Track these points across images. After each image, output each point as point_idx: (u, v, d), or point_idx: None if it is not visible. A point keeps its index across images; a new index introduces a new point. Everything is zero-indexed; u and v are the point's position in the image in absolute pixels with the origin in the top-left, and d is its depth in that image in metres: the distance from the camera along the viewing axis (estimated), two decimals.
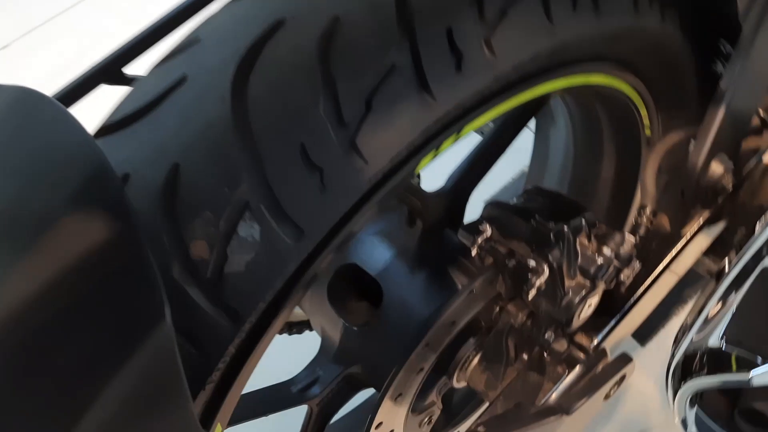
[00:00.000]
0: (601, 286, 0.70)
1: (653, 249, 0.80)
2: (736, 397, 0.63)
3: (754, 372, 0.59)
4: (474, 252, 0.71)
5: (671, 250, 0.80)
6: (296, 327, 0.99)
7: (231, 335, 0.46)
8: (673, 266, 0.80)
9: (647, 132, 0.81)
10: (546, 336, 0.72)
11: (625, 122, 0.78)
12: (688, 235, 0.80)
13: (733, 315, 0.62)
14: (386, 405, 0.69)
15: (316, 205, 0.46)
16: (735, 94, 0.73)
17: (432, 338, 0.69)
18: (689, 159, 0.76)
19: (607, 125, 0.81)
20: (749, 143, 0.84)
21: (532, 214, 0.69)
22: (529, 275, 0.67)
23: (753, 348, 0.60)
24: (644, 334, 1.43)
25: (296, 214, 0.46)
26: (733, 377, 0.59)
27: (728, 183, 0.77)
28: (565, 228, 0.67)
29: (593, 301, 0.70)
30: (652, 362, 1.53)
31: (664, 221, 0.81)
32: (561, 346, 0.72)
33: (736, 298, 0.61)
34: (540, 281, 0.67)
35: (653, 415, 1.45)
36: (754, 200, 0.84)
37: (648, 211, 0.79)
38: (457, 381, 0.80)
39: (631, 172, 0.82)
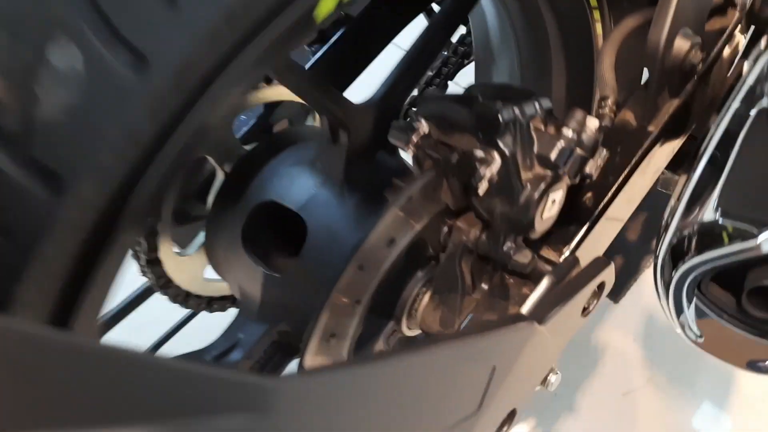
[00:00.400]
0: (565, 180, 0.58)
1: (620, 147, 0.69)
2: (741, 280, 0.52)
3: (763, 236, 0.48)
4: (410, 152, 0.58)
5: (640, 148, 0.69)
6: (217, 303, 0.85)
7: (50, 210, 0.32)
8: (644, 167, 0.69)
9: (596, 16, 0.71)
10: (506, 248, 0.60)
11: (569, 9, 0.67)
12: (656, 131, 0.69)
13: (727, 182, 0.51)
14: (315, 346, 0.55)
15: (163, 25, 0.33)
16: None
17: (366, 259, 0.56)
18: (650, 37, 0.66)
19: (550, 16, 0.70)
20: (714, 24, 0.74)
21: (476, 100, 0.57)
22: (478, 166, 0.55)
23: (755, 217, 0.49)
24: (617, 290, 1.32)
25: (133, 35, 0.32)
26: (737, 247, 0.48)
27: (696, 59, 0.66)
28: (516, 109, 0.55)
29: (557, 196, 0.58)
30: (628, 320, 1.42)
31: (629, 116, 0.70)
32: (524, 257, 0.59)
33: (728, 161, 0.50)
34: (491, 172, 0.54)
35: (636, 375, 1.34)
36: (723, 87, 0.74)
37: (610, 101, 0.67)
38: (408, 327, 0.67)
39: (585, 64, 0.71)
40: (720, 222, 0.50)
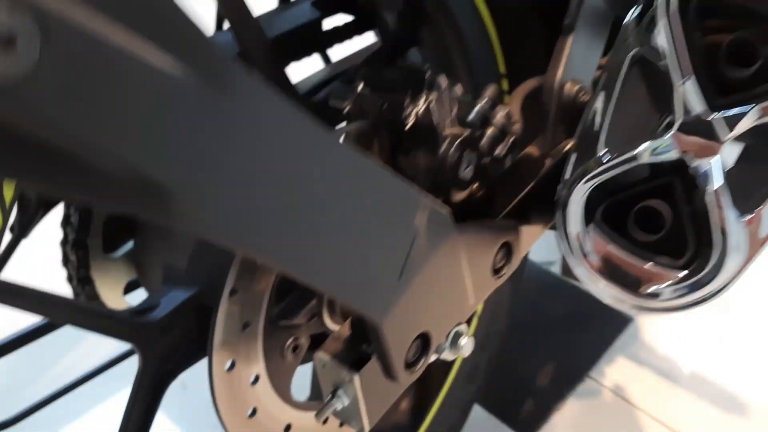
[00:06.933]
0: (481, 147, 0.66)
1: (522, 173, 0.78)
2: (629, 205, 0.59)
3: (640, 148, 0.56)
4: (347, 108, 0.66)
5: (538, 173, 0.78)
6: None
7: None
8: None
9: (501, 68, 0.86)
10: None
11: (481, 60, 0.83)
12: (552, 161, 0.80)
13: (611, 123, 0.61)
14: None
15: None
16: (581, 24, 0.81)
17: None
18: (545, 82, 0.80)
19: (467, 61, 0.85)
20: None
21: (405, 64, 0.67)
22: (405, 108, 0.63)
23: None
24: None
25: None
26: (621, 158, 0.56)
27: (586, 98, 0.80)
28: (441, 75, 0.66)
29: (472, 159, 0.66)
30: None
31: (532, 149, 0.81)
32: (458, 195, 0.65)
33: (610, 106, 0.61)
34: (417, 108, 0.62)
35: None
36: None
37: (515, 126, 0.78)
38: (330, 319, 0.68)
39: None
40: (609, 156, 0.59)
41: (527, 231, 0.70)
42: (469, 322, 0.91)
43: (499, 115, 0.69)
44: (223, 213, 0.38)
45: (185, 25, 0.34)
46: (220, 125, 0.36)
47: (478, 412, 1.30)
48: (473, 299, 0.62)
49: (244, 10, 0.68)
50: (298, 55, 0.88)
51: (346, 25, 0.97)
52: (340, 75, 0.93)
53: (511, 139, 0.70)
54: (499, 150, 0.69)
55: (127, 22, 0.32)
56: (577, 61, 0.81)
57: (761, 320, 1.46)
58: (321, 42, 0.90)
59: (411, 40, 0.86)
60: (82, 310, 0.60)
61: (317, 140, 0.43)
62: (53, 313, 0.59)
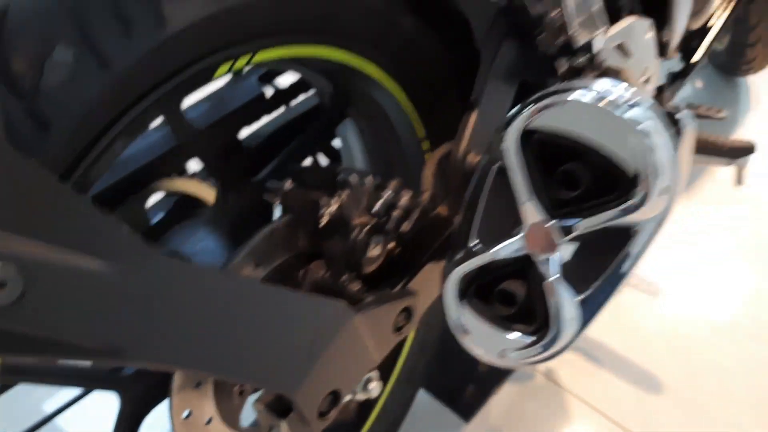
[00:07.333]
0: (388, 229, 0.82)
1: (431, 231, 0.94)
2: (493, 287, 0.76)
3: (499, 246, 0.73)
4: (278, 203, 0.82)
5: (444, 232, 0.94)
6: None
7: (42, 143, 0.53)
8: None
9: (420, 134, 1.01)
10: (342, 280, 0.82)
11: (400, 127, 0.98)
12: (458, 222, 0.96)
13: (482, 220, 0.77)
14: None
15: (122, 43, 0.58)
16: (485, 101, 0.95)
17: None
18: (452, 152, 0.95)
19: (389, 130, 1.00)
20: None
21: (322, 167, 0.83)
22: (322, 208, 0.79)
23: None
24: (467, 410, 1.51)
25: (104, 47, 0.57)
26: (478, 260, 0.73)
27: None
28: (353, 174, 0.81)
29: (380, 240, 0.82)
30: None
31: (442, 210, 0.97)
32: (357, 285, 0.81)
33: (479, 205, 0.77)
34: (331, 210, 0.78)
35: None
36: None
37: (426, 194, 0.94)
38: None
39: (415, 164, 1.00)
40: (479, 246, 0.76)
41: (427, 291, 0.86)
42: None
43: (403, 200, 0.84)
44: (164, 351, 0.55)
45: (112, 231, 0.50)
46: (138, 295, 0.53)
47: (423, 397, 1.50)
48: (377, 356, 0.80)
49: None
50: (248, 124, 1.02)
51: (291, 86, 1.11)
52: (287, 126, 1.07)
53: (416, 215, 0.86)
54: (404, 227, 0.85)
55: (75, 247, 0.48)
56: (480, 134, 0.96)
57: (682, 309, 1.64)
58: (268, 110, 1.05)
59: (343, 114, 1.01)
60: (76, 371, 0.78)
61: (233, 284, 0.59)
62: (50, 378, 0.76)
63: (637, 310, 1.64)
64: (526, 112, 0.69)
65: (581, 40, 0.76)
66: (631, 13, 1.13)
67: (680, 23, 1.28)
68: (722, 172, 1.97)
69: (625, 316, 1.63)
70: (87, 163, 0.60)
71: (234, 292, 0.60)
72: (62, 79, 0.55)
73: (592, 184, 0.70)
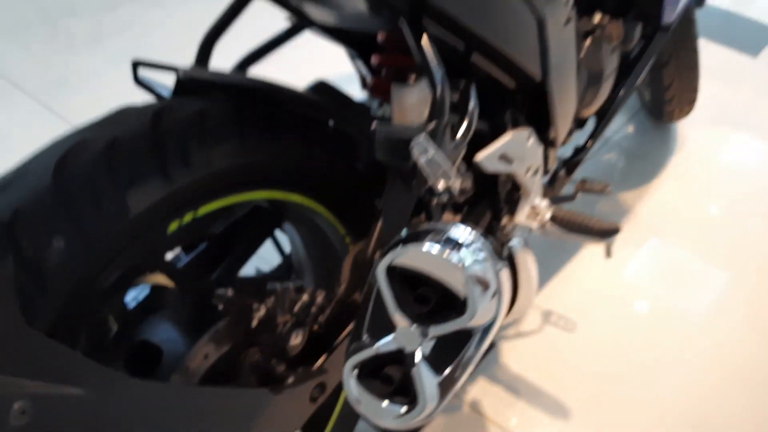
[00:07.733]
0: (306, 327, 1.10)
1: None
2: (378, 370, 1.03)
3: (378, 343, 1.01)
4: (221, 308, 1.09)
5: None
6: None
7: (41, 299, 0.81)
8: None
9: (341, 231, 1.29)
10: (272, 363, 1.10)
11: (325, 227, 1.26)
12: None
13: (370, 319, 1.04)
14: None
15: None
16: (388, 209, 1.22)
17: (187, 369, 1.04)
18: (362, 251, 1.23)
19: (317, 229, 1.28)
20: None
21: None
22: (254, 312, 1.07)
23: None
24: None
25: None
26: (365, 353, 1.00)
27: None
28: (278, 284, 1.09)
29: (299, 332, 1.10)
30: None
31: (357, 297, 1.24)
32: (282, 367, 1.09)
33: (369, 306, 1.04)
34: (259, 315, 1.06)
35: None
36: None
37: (342, 287, 1.22)
38: None
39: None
40: (368, 340, 1.03)
41: (338, 368, 1.14)
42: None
43: (318, 299, 1.12)
44: None
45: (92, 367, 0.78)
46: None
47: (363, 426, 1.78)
48: (298, 422, 1.07)
49: None
50: None
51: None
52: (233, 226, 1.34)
53: (330, 307, 1.13)
54: (320, 318, 1.13)
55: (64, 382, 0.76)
56: (386, 235, 1.24)
57: (595, 344, 1.93)
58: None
59: (280, 222, 1.29)
60: None
61: (175, 392, 0.87)
62: None
63: (555, 345, 1.92)
64: (391, 253, 0.96)
65: (440, 187, 1.04)
66: (514, 125, 1.41)
67: (564, 123, 1.56)
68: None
69: (543, 351, 1.91)
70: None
71: (177, 398, 0.88)
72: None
73: (441, 301, 0.97)
